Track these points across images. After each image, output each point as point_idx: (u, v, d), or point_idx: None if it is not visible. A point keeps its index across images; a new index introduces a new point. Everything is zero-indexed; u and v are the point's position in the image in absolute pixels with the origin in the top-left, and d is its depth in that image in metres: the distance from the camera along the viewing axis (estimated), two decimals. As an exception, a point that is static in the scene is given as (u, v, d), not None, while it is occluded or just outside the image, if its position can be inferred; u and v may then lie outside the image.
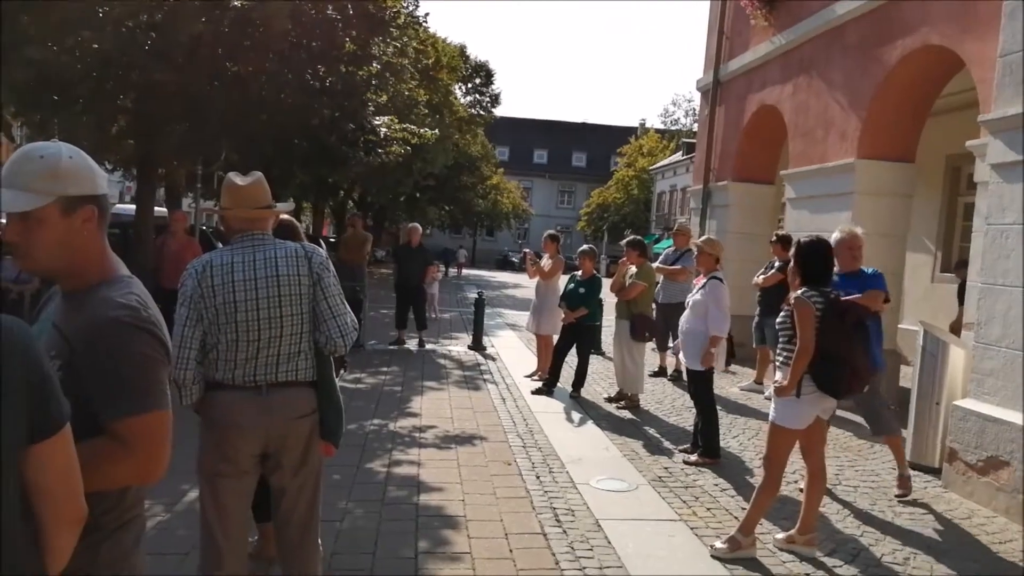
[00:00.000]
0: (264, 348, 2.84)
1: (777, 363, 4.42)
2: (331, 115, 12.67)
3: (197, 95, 11.54)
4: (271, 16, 10.84)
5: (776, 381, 4.37)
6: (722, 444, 6.43)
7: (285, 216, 3.53)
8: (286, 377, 2.89)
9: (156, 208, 14.11)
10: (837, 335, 4.13)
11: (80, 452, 1.44)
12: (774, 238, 8.93)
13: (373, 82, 14.94)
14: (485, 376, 9.59)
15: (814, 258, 4.31)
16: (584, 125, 72.76)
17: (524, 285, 21.48)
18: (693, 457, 6.17)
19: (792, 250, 4.41)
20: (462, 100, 36.60)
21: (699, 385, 6.23)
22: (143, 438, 1.64)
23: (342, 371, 3.74)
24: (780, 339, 4.40)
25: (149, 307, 1.74)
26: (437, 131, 21.65)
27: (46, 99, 11.92)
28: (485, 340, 12.13)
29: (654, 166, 52.31)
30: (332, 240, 28.32)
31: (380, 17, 13.77)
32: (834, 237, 5.31)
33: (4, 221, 1.73)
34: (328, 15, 12.62)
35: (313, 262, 2.95)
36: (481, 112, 40.22)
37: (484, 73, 40.90)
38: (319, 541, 3.17)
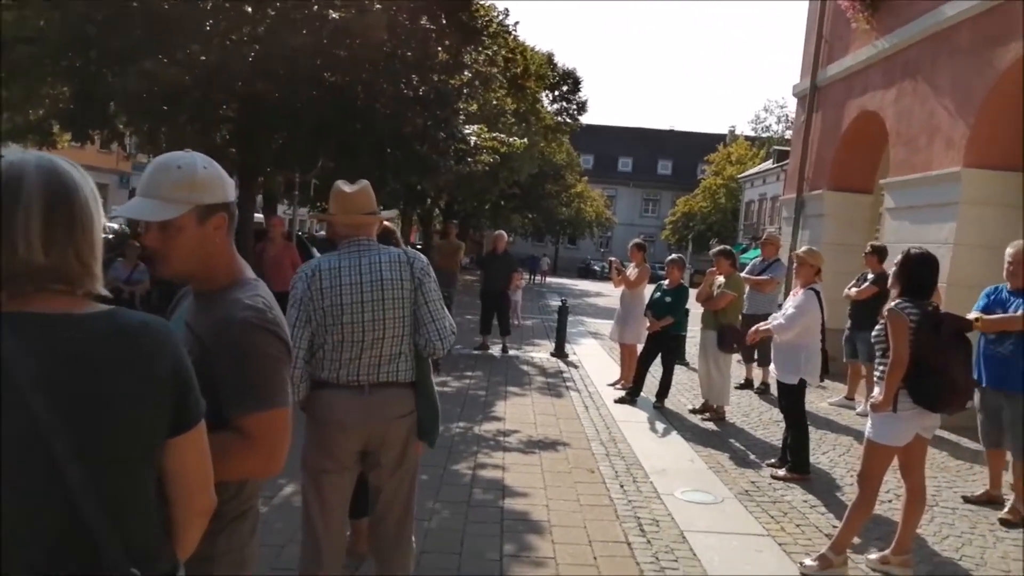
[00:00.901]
0: (367, 349, 2.96)
1: (875, 377, 4.31)
2: (423, 124, 12.95)
3: (296, 105, 12.00)
4: (368, 27, 11.18)
5: (872, 396, 4.25)
6: (812, 460, 6.27)
7: (387, 223, 3.67)
8: (387, 378, 3.00)
9: (256, 214, 14.74)
10: (932, 347, 4.00)
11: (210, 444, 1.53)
12: (868, 249, 8.66)
13: (464, 91, 15.20)
14: (568, 383, 9.61)
15: (919, 271, 4.18)
16: (671, 132, 71.84)
17: (606, 294, 21.40)
18: (781, 472, 6.04)
19: (898, 260, 4.28)
20: (549, 108, 36.69)
21: (789, 399, 6.10)
22: (266, 434, 1.72)
23: (436, 372, 3.85)
24: (876, 352, 4.29)
25: (273, 308, 1.83)
26: (525, 140, 21.80)
27: (155, 109, 12.60)
28: (568, 348, 12.16)
29: (743, 174, 51.19)
30: (419, 246, 28.89)
31: (472, 26, 14.02)
32: (1008, 252, 5.31)
33: (137, 228, 1.88)
34: (422, 25, 12.93)
35: (415, 267, 3.06)
36: (567, 120, 40.24)
37: (571, 80, 40.86)
38: (412, 539, 3.27)
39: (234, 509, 1.81)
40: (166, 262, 1.79)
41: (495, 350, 11.68)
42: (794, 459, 6.05)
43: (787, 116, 52.18)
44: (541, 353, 12.14)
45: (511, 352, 11.78)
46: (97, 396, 1.29)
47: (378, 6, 11.64)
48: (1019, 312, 5.27)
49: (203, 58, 11.40)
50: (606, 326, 10.87)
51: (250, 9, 11.86)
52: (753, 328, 6.49)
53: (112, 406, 1.31)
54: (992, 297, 5.55)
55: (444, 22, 13.18)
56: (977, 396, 5.52)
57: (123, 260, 10.64)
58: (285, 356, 1.81)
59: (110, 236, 18.28)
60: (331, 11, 11.77)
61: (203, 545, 1.69)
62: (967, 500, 5.70)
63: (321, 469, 3.00)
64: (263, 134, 12.95)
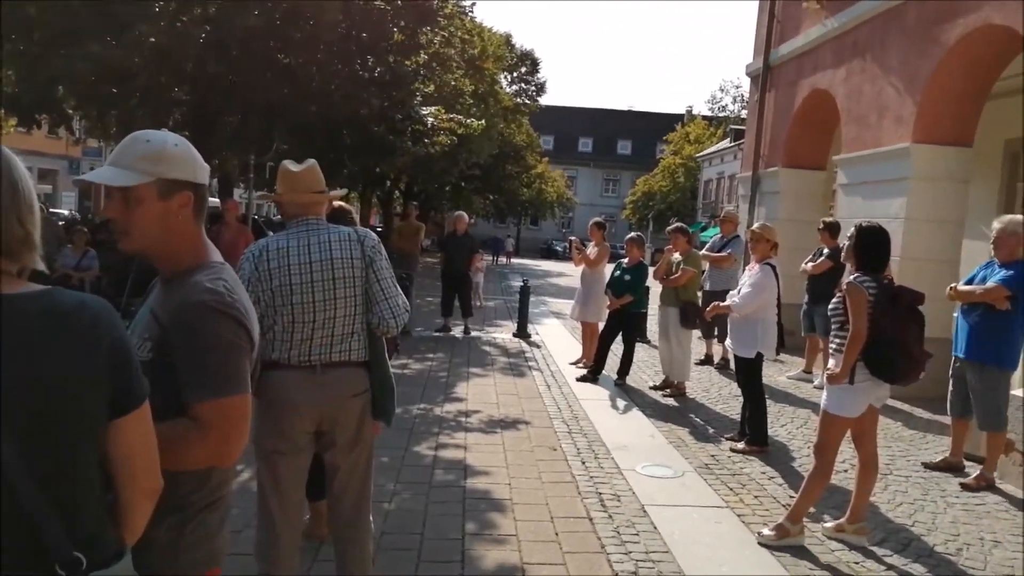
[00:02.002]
0: (319, 329, 2.93)
1: (830, 350, 4.38)
2: (379, 105, 12.82)
3: (250, 87, 11.77)
4: (322, 8, 11.00)
5: (829, 368, 4.33)
6: (770, 432, 6.37)
7: (338, 202, 3.62)
8: (340, 357, 2.97)
9: (210, 198, 14.46)
10: (890, 320, 4.07)
11: (161, 431, 1.50)
12: (822, 225, 8.80)
13: (421, 72, 15.06)
14: (530, 363, 9.64)
15: (873, 245, 4.24)
16: (629, 112, 72.15)
17: (568, 273, 21.45)
18: (740, 445, 6.14)
19: (850, 235, 4.34)
20: (508, 89, 36.57)
21: (747, 373, 6.19)
22: (219, 421, 1.67)
23: (394, 353, 3.82)
24: (833, 326, 4.36)
25: (235, 292, 1.78)
26: (483, 121, 21.70)
27: (104, 92, 12.29)
28: (530, 328, 12.18)
29: (701, 153, 51.65)
30: (379, 229, 28.67)
31: (428, 7, 13.87)
32: (994, 226, 5.43)
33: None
34: (376, 5, 12.76)
35: (365, 245, 3.03)
36: (526, 101, 40.15)
37: (530, 62, 40.83)
38: (371, 519, 3.25)
39: (201, 500, 1.75)
40: (127, 235, 1.75)
41: (457, 331, 11.65)
42: (752, 432, 6.15)
43: (743, 96, 52.67)
44: (503, 334, 12.15)
45: (473, 333, 11.76)
46: (31, 376, 1.27)
47: (331, -15, 11.44)
48: (988, 284, 5.37)
49: (152, 40, 11.11)
50: (568, 306, 10.90)
51: (200, -11, 11.58)
52: (712, 304, 6.56)
53: (47, 386, 1.29)
54: (982, 272, 5.62)
55: (399, 2, 13.00)
56: (952, 365, 5.68)
57: (72, 247, 10.36)
58: (245, 342, 1.76)
59: (60, 223, 17.83)
60: (284, -10, 11.55)
61: (170, 535, 1.67)
62: (927, 466, 5.84)
63: (275, 450, 2.96)
64: (216, 117, 12.70)
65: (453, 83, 20.79)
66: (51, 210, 30.60)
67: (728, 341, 6.36)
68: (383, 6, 13.01)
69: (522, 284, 12.25)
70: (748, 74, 13.86)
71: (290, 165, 3.11)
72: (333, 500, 3.15)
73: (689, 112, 61.64)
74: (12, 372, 1.25)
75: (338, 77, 12.52)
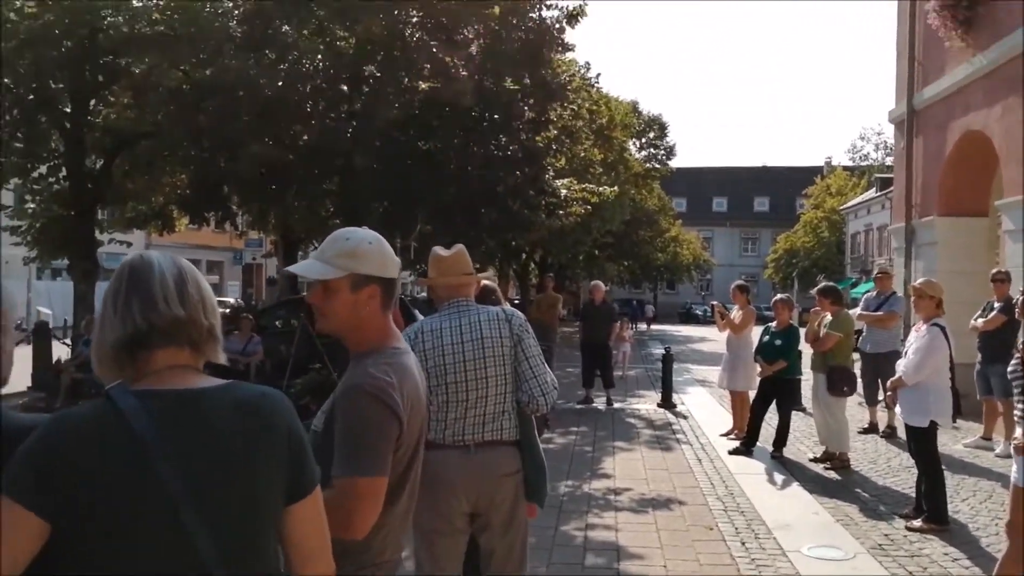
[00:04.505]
0: (471, 408, 2.98)
1: (1015, 416, 3.97)
2: (514, 182, 13.20)
3: (393, 174, 12.47)
4: (456, 94, 11.55)
5: (1016, 438, 3.91)
6: (950, 508, 5.80)
7: (486, 282, 3.71)
8: (492, 436, 3.00)
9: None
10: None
11: None
12: (995, 276, 8.11)
13: (552, 147, 15.43)
14: (678, 435, 9.33)
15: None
16: (764, 168, 70.40)
17: (711, 338, 20.84)
18: (917, 523, 5.61)
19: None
20: (637, 155, 36.70)
21: (921, 442, 5.69)
22: (346, 500, 1.80)
23: (544, 430, 3.81)
24: (1015, 389, 3.96)
25: (394, 378, 1.91)
26: (615, 188, 21.83)
27: (264, 189, 13.39)
28: (675, 398, 11.85)
29: (844, 206, 49.43)
30: (516, 301, 29.10)
31: (555, 84, 14.28)
32: None
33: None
34: (507, 87, 13.27)
35: (514, 324, 3.08)
36: (656, 165, 40.09)
37: (657, 126, 40.90)
38: (527, 604, 3.20)
39: (357, 565, 1.89)
40: (323, 318, 2.00)
41: (599, 403, 11.50)
42: (930, 508, 5.62)
43: (886, 143, 50.31)
44: (647, 404, 11.87)
45: (616, 405, 11.57)
46: (221, 467, 1.37)
47: (464, 73, 12.03)
48: None
49: (305, 137, 12.04)
50: (714, 373, 10.56)
51: (346, 88, 12.51)
52: (889, 388, 6.05)
53: (235, 476, 1.38)
54: None
55: (528, 82, 13.47)
56: None
57: (238, 333, 11.15)
58: (389, 426, 1.87)
59: (226, 311, 19.28)
60: (421, 82, 12.25)
61: None
62: None
63: (433, 530, 2.99)
64: (363, 204, 13.50)
65: (583, 154, 21.13)
66: (216, 299, 33.25)
67: (897, 409, 5.88)
68: (513, 87, 13.52)
69: (664, 351, 11.98)
70: (891, 120, 13.24)
71: (440, 251, 3.23)
72: (490, 585, 3.12)
73: (828, 163, 59.43)
74: (204, 464, 1.35)
75: (474, 158, 13.04)
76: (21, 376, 10.61)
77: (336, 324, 1.99)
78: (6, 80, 11.23)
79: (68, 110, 12.06)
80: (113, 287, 1.45)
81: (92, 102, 12.59)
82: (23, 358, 8.71)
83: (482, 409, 2.99)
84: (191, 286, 1.47)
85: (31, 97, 11.40)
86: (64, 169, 12.52)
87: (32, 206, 13.26)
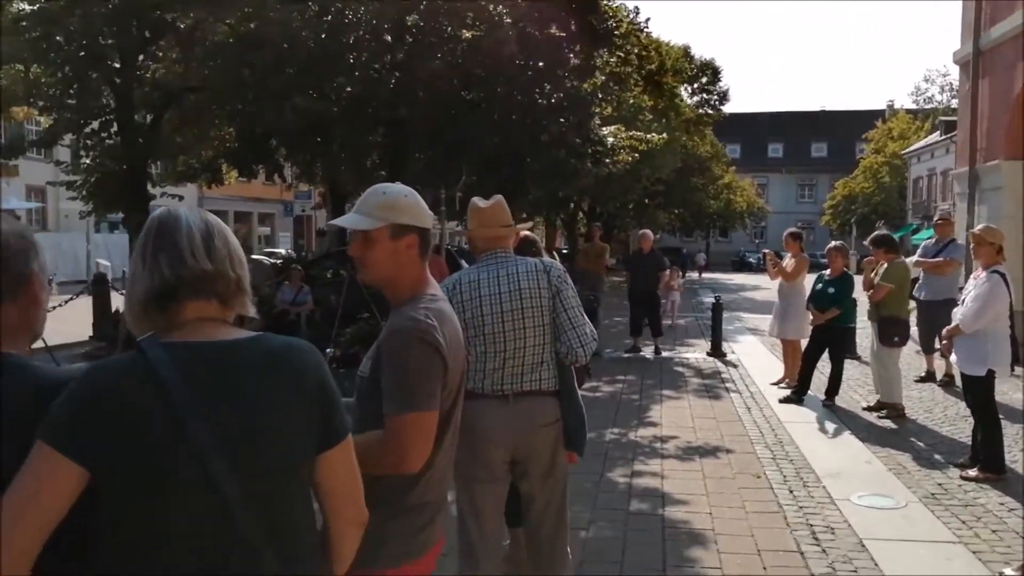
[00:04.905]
0: (510, 359, 2.98)
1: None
2: (559, 130, 13.00)
3: (437, 125, 12.39)
4: (499, 42, 11.36)
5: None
6: (1007, 458, 5.64)
7: (526, 232, 3.67)
8: (531, 386, 3.00)
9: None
10: None
11: (358, 440, 1.64)
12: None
13: (599, 94, 15.13)
14: (727, 384, 9.25)
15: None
16: (822, 113, 68.15)
17: (764, 287, 20.44)
18: (972, 472, 5.48)
19: None
20: (688, 101, 35.79)
21: (977, 391, 5.52)
22: (400, 435, 1.88)
23: (586, 379, 3.80)
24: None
25: (435, 319, 1.99)
26: (664, 135, 21.37)
27: (310, 141, 13.46)
28: (725, 346, 11.72)
29: (907, 150, 47.64)
30: (564, 252, 28.99)
31: (602, 29, 13.92)
32: None
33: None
34: (551, 34, 12.98)
35: (552, 275, 3.06)
36: (709, 111, 39.10)
37: (710, 71, 39.63)
38: (568, 550, 3.23)
39: (404, 501, 1.98)
40: (364, 268, 2.08)
41: (647, 352, 11.45)
42: (986, 457, 5.47)
43: (951, 85, 48.04)
44: (697, 353, 11.77)
45: (664, 353, 11.50)
46: (248, 418, 1.38)
47: (507, 20, 11.80)
48: None
49: (349, 89, 12.01)
50: (765, 321, 10.37)
51: (390, 39, 12.40)
52: (945, 336, 5.85)
53: (263, 426, 1.39)
54: None
55: (573, 28, 13.16)
56: None
57: (288, 283, 11.35)
58: (435, 364, 1.95)
59: (278, 261, 19.62)
60: (464, 31, 12.06)
61: (372, 529, 1.71)
62: None
63: (473, 478, 3.03)
64: (408, 156, 13.48)
65: (632, 101, 20.67)
66: (267, 250, 33.77)
67: (953, 357, 5.70)
68: (558, 33, 13.22)
69: (714, 300, 11.82)
70: (956, 61, 12.61)
71: (479, 202, 3.20)
72: (530, 531, 3.16)
73: (890, 107, 57.18)
74: (231, 413, 1.36)
75: (518, 107, 12.86)
76: (83, 326, 10.98)
77: (377, 273, 2.06)
78: (58, 38, 11.42)
79: (117, 66, 12.22)
80: (141, 241, 1.47)
81: (140, 58, 12.74)
82: (84, 309, 9.02)
83: (520, 360, 2.99)
84: (218, 239, 1.48)
85: (81, 54, 11.57)
86: (115, 124, 12.75)
87: (87, 161, 13.58)
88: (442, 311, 2.05)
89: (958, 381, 6.76)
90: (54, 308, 9.56)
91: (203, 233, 1.46)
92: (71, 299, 10.22)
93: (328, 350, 7.25)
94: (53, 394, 1.33)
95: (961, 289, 6.42)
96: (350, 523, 1.57)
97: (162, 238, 1.44)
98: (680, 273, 21.10)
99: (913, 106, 54.10)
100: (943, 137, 40.08)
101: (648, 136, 18.55)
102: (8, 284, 1.43)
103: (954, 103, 41.62)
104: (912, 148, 47.09)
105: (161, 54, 13.35)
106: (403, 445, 1.88)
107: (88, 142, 13.05)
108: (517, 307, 2.98)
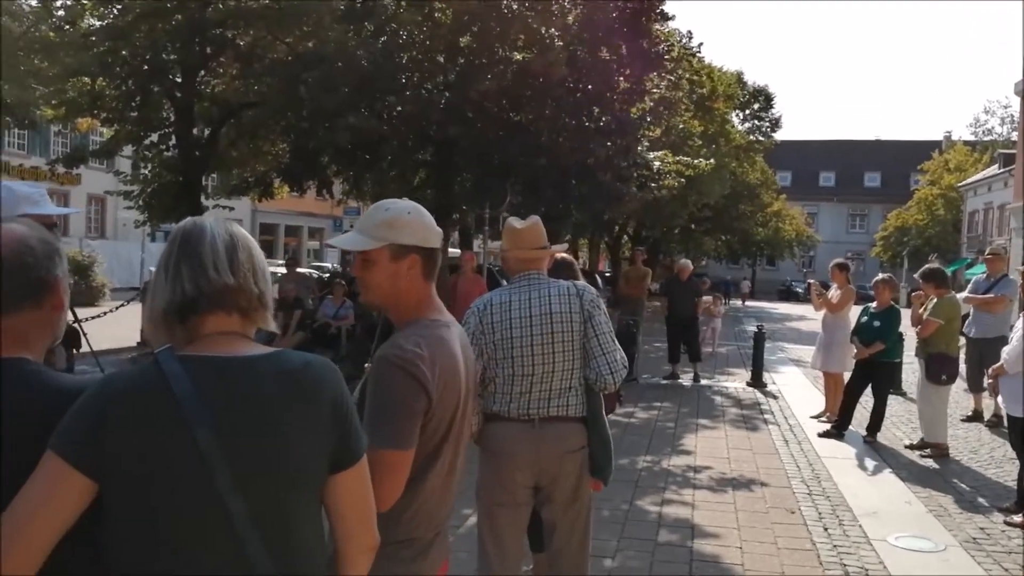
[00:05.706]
0: (538, 383, 2.97)
1: None
2: (605, 154, 13.02)
3: (485, 145, 12.52)
4: (550, 65, 11.45)
5: None
6: (1057, 506, 5.44)
7: (562, 255, 3.69)
8: (558, 412, 2.98)
9: (450, 249, 15.49)
10: None
11: None
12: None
13: (647, 118, 15.12)
14: (765, 415, 9.09)
15: None
16: (877, 142, 66.94)
17: (810, 317, 20.06)
18: (1018, 518, 5.30)
19: None
20: (740, 127, 35.54)
21: (1022, 433, 5.36)
22: (371, 470, 1.73)
23: (617, 406, 3.78)
24: None
25: (426, 350, 1.86)
26: (712, 161, 21.23)
27: (359, 159, 13.71)
28: (766, 376, 11.54)
29: (964, 182, 46.46)
30: (607, 275, 28.89)
31: (654, 53, 13.94)
32: None
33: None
34: (602, 57, 13.05)
35: (584, 299, 3.04)
36: (760, 138, 38.73)
37: (763, 97, 39.41)
38: (590, 577, 3.21)
39: (391, 535, 1.81)
40: (363, 289, 2.02)
41: (685, 379, 11.33)
42: (1033, 504, 5.29)
43: (1012, 116, 46.67)
44: (736, 383, 11.61)
45: (703, 381, 11.36)
46: (258, 435, 1.36)
47: (559, 43, 11.90)
48: None
49: (399, 109, 12.22)
50: (809, 352, 10.19)
51: (442, 59, 12.60)
52: (991, 375, 5.72)
53: (272, 444, 1.37)
54: None
55: (624, 52, 13.21)
56: None
57: (331, 297, 11.52)
58: (416, 399, 1.82)
59: (324, 275, 19.95)
60: (515, 53, 12.20)
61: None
62: None
63: (495, 502, 3.03)
64: (456, 175, 13.64)
65: (681, 125, 20.58)
66: (314, 263, 34.32)
67: (1000, 398, 5.55)
68: (608, 57, 13.27)
69: (756, 329, 11.66)
70: (1017, 92, 12.39)
71: (515, 222, 3.21)
72: (552, 558, 3.14)
73: (948, 137, 55.90)
74: (244, 429, 1.35)
75: (566, 129, 12.92)
76: (132, 331, 11.28)
77: (377, 295, 1.97)
78: (124, 52, 11.86)
79: (178, 80, 12.64)
80: (166, 252, 1.46)
81: (201, 73, 13.15)
82: (134, 315, 9.27)
83: (548, 384, 2.97)
84: (242, 253, 1.46)
85: (145, 68, 12.00)
86: (174, 137, 13.16)
87: (146, 172, 14.03)
88: (440, 338, 1.93)
89: (1006, 422, 6.57)
90: (105, 314, 9.89)
91: (227, 246, 1.45)
92: (122, 305, 10.53)
93: (367, 364, 7.33)
94: (64, 403, 1.32)
95: (1012, 327, 6.25)
96: (361, 548, 1.53)
97: (186, 250, 1.43)
98: (723, 300, 20.87)
99: (972, 137, 52.86)
100: (1002, 170, 38.99)
101: (695, 161, 18.43)
102: (33, 289, 1.42)
103: (1014, 135, 40.59)
104: (969, 181, 45.92)
105: (221, 70, 13.75)
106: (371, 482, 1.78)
107: (147, 153, 13.49)
108: (547, 331, 2.97)
